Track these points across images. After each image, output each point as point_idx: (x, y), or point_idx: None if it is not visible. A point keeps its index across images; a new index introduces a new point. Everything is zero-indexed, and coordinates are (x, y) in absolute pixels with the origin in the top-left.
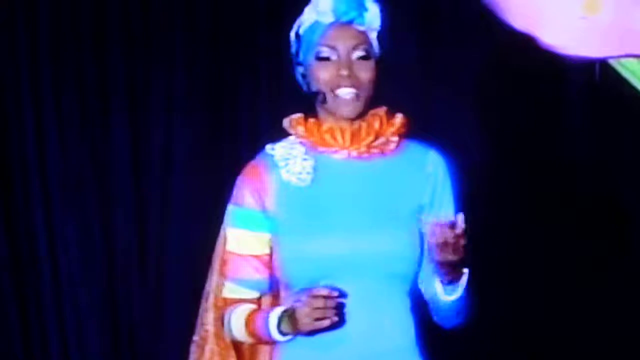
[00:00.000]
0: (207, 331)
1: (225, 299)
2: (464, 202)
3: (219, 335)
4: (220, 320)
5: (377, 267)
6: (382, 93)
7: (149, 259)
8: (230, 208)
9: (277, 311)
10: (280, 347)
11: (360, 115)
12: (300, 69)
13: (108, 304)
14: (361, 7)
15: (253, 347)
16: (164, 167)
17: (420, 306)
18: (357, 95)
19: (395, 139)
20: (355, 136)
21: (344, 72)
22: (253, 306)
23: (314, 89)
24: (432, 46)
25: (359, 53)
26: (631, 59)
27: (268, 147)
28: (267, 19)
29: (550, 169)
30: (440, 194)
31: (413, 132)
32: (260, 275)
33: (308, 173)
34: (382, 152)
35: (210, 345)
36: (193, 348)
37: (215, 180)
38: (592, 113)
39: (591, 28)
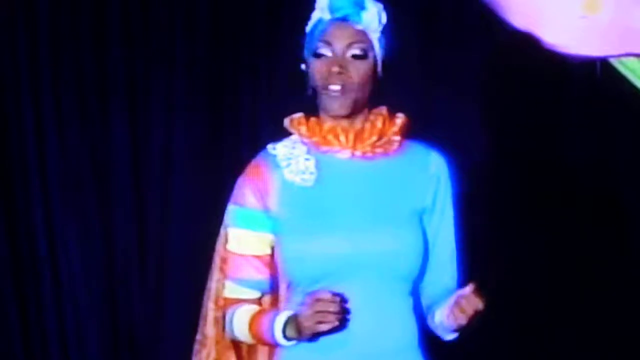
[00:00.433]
0: (208, 330)
1: (226, 299)
2: (464, 202)
3: (219, 335)
4: (221, 320)
5: (379, 267)
6: (383, 93)
7: (149, 259)
8: (231, 208)
9: (283, 316)
10: (281, 348)
11: (354, 114)
12: (303, 66)
13: (108, 304)
14: (358, 6)
15: (251, 347)
16: (164, 167)
17: (422, 306)
18: (346, 93)
19: (398, 138)
20: (358, 136)
21: (335, 69)
22: (255, 307)
23: (311, 85)
24: (432, 46)
25: (354, 51)
26: (632, 58)
27: (269, 146)
28: (267, 18)
29: (550, 168)
30: (443, 195)
31: (414, 132)
32: (262, 276)
33: (311, 173)
34: (386, 152)
35: (210, 346)
36: (196, 347)
37: (215, 180)
38: (593, 112)
39: (591, 27)
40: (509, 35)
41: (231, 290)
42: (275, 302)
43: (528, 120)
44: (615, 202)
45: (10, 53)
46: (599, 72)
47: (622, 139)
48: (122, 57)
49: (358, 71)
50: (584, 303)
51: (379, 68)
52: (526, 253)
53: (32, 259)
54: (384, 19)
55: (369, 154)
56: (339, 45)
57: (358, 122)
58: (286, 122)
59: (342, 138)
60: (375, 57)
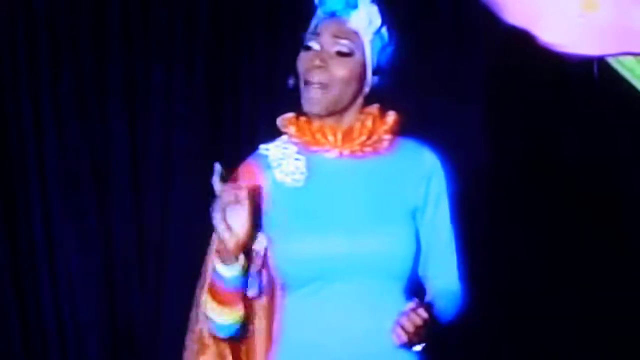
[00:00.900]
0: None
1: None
2: (463, 201)
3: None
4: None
5: (372, 266)
6: (382, 93)
7: (148, 259)
8: None
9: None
10: (277, 349)
11: (334, 113)
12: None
13: (107, 304)
14: (349, 3)
15: (250, 348)
16: (163, 167)
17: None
18: (325, 89)
19: (389, 137)
20: (347, 135)
21: (317, 62)
22: None
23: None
24: (431, 47)
25: (339, 47)
26: (629, 57)
27: (262, 147)
28: (267, 18)
29: (549, 168)
30: (436, 193)
31: (411, 131)
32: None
33: (302, 173)
34: (376, 151)
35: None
36: (189, 342)
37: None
38: (591, 111)
39: (589, 26)
40: (508, 35)
41: None
42: (271, 303)
43: (527, 120)
44: (613, 201)
45: (9, 53)
46: (596, 72)
47: (620, 138)
48: (121, 57)
49: (340, 69)
50: (583, 303)
51: (368, 70)
52: (526, 253)
53: (31, 258)
54: (378, 22)
55: (359, 153)
56: (325, 38)
57: (347, 121)
58: (279, 121)
59: (331, 137)
60: (364, 57)
